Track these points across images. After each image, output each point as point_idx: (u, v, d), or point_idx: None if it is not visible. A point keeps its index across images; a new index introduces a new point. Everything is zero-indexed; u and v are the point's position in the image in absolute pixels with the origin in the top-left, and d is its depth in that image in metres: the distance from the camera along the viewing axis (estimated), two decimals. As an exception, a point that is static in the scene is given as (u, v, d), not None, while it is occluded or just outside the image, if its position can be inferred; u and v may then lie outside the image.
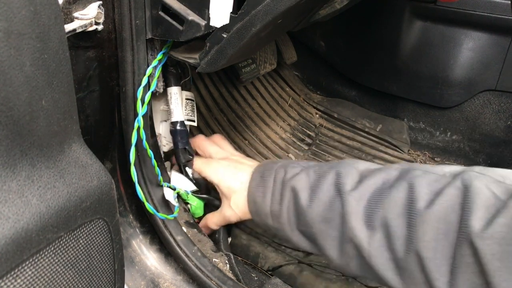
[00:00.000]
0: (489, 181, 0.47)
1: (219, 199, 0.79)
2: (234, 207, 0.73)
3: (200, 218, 0.85)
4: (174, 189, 0.77)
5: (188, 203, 0.82)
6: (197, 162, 0.80)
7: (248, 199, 0.71)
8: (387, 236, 0.52)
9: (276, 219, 0.66)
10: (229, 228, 0.93)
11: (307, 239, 0.63)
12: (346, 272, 0.64)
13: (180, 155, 0.81)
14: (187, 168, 0.81)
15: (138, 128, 0.69)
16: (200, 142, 0.85)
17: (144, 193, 0.73)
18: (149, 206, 0.72)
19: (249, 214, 0.72)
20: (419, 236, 0.49)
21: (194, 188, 0.81)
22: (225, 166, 0.76)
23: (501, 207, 0.44)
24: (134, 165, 0.69)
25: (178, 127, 0.79)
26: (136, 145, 0.69)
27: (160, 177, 0.76)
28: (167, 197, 0.76)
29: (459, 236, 0.46)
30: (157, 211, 0.74)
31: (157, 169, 0.75)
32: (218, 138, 0.88)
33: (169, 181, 0.78)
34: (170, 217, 0.75)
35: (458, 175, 0.50)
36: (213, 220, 0.80)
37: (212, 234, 0.84)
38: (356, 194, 0.56)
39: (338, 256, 0.58)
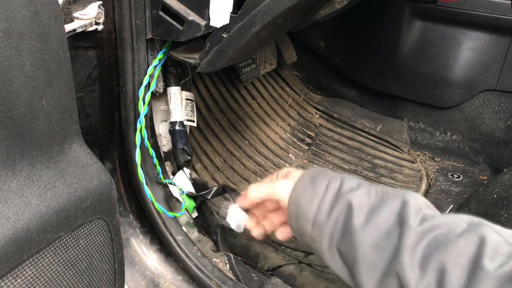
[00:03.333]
0: None
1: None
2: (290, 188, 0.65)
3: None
4: (179, 188, 0.78)
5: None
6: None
7: (290, 200, 0.66)
8: (440, 281, 0.50)
9: (318, 229, 0.62)
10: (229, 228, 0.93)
11: (342, 259, 0.60)
12: None
13: (179, 155, 0.81)
14: (184, 169, 0.81)
15: (141, 128, 0.70)
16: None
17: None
18: (158, 206, 0.72)
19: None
20: None
21: (191, 189, 0.81)
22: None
23: None
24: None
25: (177, 127, 0.79)
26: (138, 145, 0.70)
27: (161, 176, 0.76)
28: (174, 194, 0.77)
29: None
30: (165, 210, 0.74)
31: (159, 168, 0.75)
32: None
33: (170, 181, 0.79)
34: (178, 214, 0.75)
35: None
36: (259, 188, 0.70)
37: (212, 234, 0.84)
38: (419, 231, 0.53)
39: (374, 287, 0.56)
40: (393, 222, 0.56)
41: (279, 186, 0.69)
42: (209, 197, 0.81)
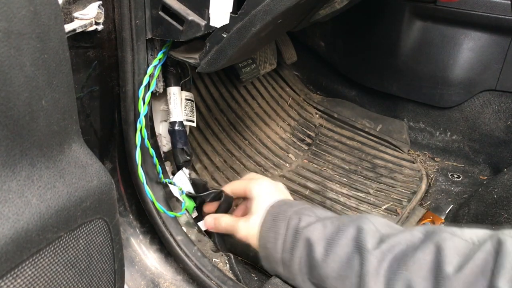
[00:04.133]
0: None
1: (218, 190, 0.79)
2: (250, 229, 0.70)
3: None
4: (179, 188, 0.78)
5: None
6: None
7: (259, 242, 0.67)
8: None
9: (287, 267, 0.64)
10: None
11: None
12: None
13: (178, 155, 0.80)
14: (184, 169, 0.81)
15: (141, 128, 0.70)
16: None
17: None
18: (159, 206, 0.72)
19: (257, 246, 0.69)
20: None
21: (191, 189, 0.81)
22: (268, 185, 0.73)
23: None
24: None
25: (176, 127, 0.79)
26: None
27: (161, 175, 0.76)
28: (175, 194, 0.77)
29: None
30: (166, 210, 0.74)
31: (159, 168, 0.75)
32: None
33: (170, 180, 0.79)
34: (179, 214, 0.75)
35: (488, 238, 0.49)
36: (225, 219, 0.75)
37: (212, 234, 0.84)
38: (378, 254, 0.53)
39: None
40: (351, 250, 0.56)
41: (241, 225, 0.71)
42: (208, 199, 0.82)
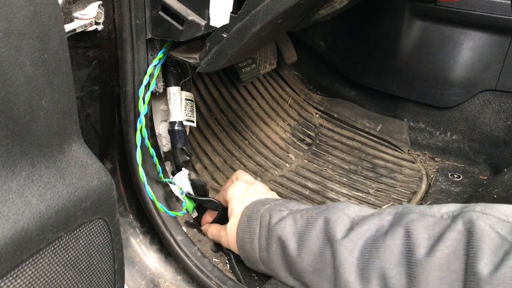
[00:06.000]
0: (493, 221, 0.44)
1: (215, 201, 0.80)
2: (228, 235, 0.71)
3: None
4: (179, 187, 0.78)
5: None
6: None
7: (237, 245, 0.68)
8: None
9: (267, 266, 0.64)
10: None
11: (303, 284, 0.60)
12: None
13: (178, 155, 0.81)
14: (183, 169, 0.81)
15: (141, 128, 0.70)
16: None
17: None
18: (160, 206, 0.72)
19: (237, 250, 0.70)
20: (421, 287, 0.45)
21: (190, 190, 0.81)
22: (242, 187, 0.74)
23: (509, 249, 0.41)
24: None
25: (176, 127, 0.79)
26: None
27: (161, 175, 0.76)
28: (175, 193, 0.77)
29: (466, 285, 0.42)
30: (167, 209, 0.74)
31: (159, 168, 0.75)
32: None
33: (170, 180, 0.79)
34: (180, 214, 0.75)
35: (458, 216, 0.47)
36: (211, 229, 0.78)
37: None
38: (348, 243, 0.52)
39: None
40: (322, 242, 0.56)
41: (222, 234, 0.73)
42: (204, 205, 0.82)
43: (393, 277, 0.47)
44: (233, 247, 0.71)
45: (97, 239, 0.51)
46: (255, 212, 0.66)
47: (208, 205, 0.81)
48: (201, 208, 0.85)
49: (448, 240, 0.45)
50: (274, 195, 0.76)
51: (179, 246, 0.75)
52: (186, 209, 0.81)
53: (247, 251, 0.66)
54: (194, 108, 0.84)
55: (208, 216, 0.83)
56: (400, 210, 0.53)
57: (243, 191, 0.73)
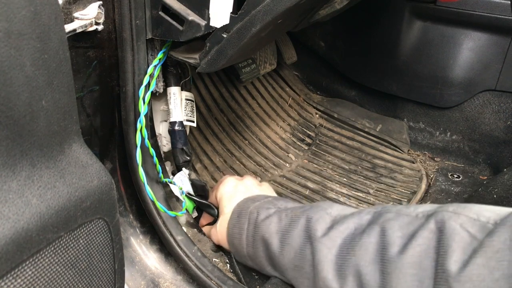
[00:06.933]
0: (464, 221, 0.45)
1: (213, 206, 0.80)
2: (218, 233, 0.73)
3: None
4: (179, 187, 0.78)
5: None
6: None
7: (227, 239, 0.70)
8: (360, 285, 0.49)
9: (254, 261, 0.66)
10: None
11: (288, 281, 0.62)
12: None
13: (178, 155, 0.81)
14: (183, 169, 0.81)
15: (141, 128, 0.70)
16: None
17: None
18: (160, 206, 0.73)
19: (228, 246, 0.72)
20: (393, 285, 0.46)
21: (190, 190, 0.81)
22: (232, 184, 0.75)
23: (477, 247, 0.42)
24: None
25: (176, 127, 0.79)
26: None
27: (161, 175, 0.76)
28: (175, 193, 0.77)
29: (436, 282, 0.43)
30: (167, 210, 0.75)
31: (159, 168, 0.75)
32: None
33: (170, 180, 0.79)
34: (180, 214, 0.76)
35: (431, 216, 0.48)
36: (206, 230, 0.81)
37: None
38: (327, 241, 0.54)
39: None
40: (303, 240, 0.57)
41: (212, 232, 0.75)
42: (202, 208, 0.82)
43: (367, 274, 0.49)
44: (224, 243, 0.73)
45: (97, 239, 0.51)
46: (244, 209, 0.68)
47: (205, 209, 0.81)
48: (201, 209, 0.85)
49: (420, 239, 0.46)
50: (265, 190, 0.77)
51: (179, 246, 0.75)
52: (186, 209, 0.81)
53: (236, 246, 0.68)
54: (194, 108, 0.84)
55: (203, 220, 0.84)
56: (379, 210, 0.55)
57: (232, 189, 0.74)
